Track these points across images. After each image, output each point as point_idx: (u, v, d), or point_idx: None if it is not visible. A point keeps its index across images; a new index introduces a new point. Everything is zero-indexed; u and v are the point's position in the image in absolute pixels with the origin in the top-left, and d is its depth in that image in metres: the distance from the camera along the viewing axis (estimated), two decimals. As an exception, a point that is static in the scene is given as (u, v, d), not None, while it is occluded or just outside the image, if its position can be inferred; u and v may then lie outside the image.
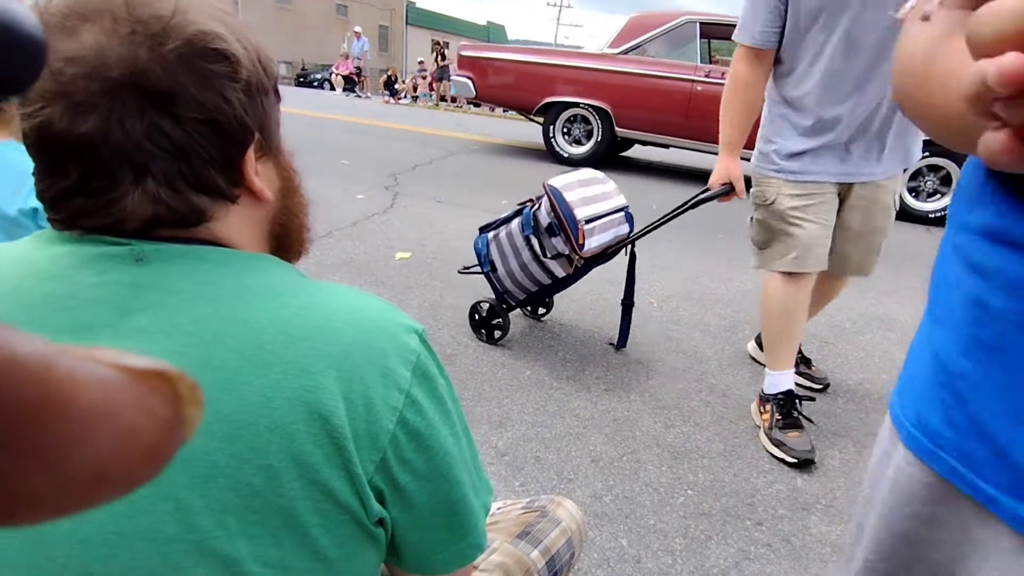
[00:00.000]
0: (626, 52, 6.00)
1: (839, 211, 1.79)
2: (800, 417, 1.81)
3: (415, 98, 16.33)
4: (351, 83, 15.86)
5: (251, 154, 0.49)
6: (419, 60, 18.13)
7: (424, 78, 16.49)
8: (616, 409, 1.93)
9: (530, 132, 10.80)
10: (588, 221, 1.99)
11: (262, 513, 0.42)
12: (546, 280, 2.12)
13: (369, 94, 16.36)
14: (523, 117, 7.63)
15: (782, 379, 1.84)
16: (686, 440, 1.80)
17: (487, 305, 2.27)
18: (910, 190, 5.36)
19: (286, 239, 0.58)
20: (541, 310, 2.56)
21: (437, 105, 15.43)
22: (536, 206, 2.10)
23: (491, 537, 0.85)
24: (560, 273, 2.10)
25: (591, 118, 6.30)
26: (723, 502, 1.55)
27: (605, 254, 2.14)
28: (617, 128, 6.16)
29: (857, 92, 1.60)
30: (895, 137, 1.67)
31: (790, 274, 1.79)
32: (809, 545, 1.43)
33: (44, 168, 0.44)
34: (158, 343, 0.42)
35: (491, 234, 2.22)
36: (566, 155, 6.46)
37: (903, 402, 0.53)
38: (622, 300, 2.24)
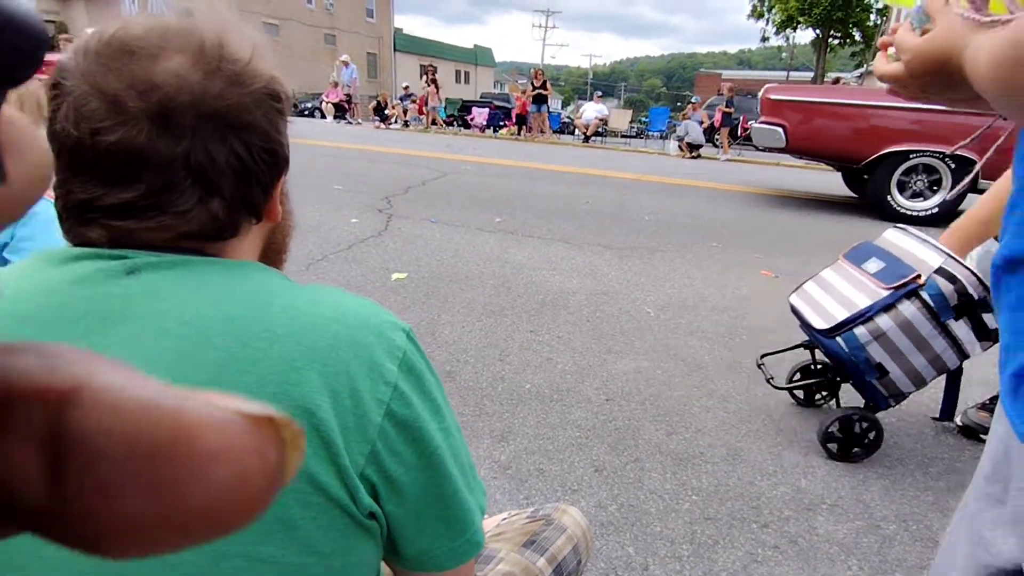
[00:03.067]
0: None
1: None
2: None
3: (406, 123, 16.48)
4: (341, 110, 15.99)
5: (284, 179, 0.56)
6: (404, 85, 18.31)
7: (414, 102, 16.65)
8: (617, 418, 1.93)
9: (535, 153, 10.89)
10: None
11: None
12: (955, 363, 1.63)
13: (360, 120, 16.49)
14: (831, 168, 6.89)
15: None
16: (688, 446, 1.80)
17: (855, 417, 1.76)
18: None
19: (271, 252, 0.62)
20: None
21: (428, 128, 15.57)
22: (937, 283, 1.56)
23: (496, 547, 0.84)
24: (978, 351, 1.61)
25: (940, 170, 5.49)
26: (728, 506, 1.55)
27: None
28: (983, 180, 5.12)
29: None
30: None
31: None
32: (816, 545, 1.43)
33: (102, 179, 0.46)
34: (147, 347, 0.43)
35: (865, 331, 1.62)
36: (910, 213, 5.51)
37: None
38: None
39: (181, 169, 0.46)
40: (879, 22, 27.76)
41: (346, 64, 16.14)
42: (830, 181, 8.22)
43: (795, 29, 32.57)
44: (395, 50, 36.42)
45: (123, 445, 0.09)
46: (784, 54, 46.35)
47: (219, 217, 0.49)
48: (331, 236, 3.74)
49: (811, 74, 34.88)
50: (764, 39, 36.42)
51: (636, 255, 3.83)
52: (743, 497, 1.58)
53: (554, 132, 16.42)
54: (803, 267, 3.77)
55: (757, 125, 6.10)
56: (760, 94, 6.18)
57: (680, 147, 12.55)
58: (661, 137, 16.02)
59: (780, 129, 5.77)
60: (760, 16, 34.55)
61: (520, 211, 4.96)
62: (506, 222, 4.49)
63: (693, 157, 12.09)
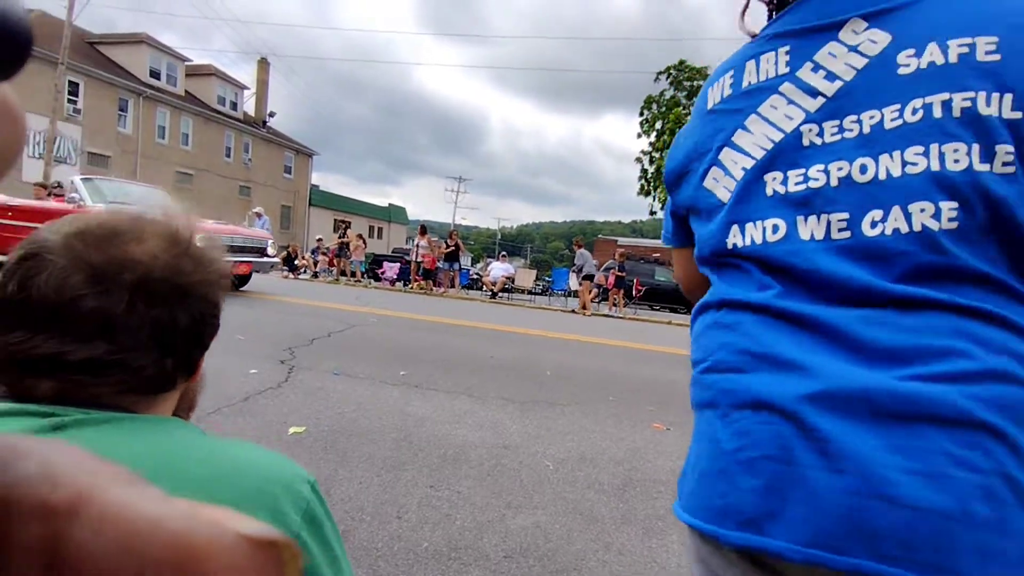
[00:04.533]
0: None
1: None
2: None
3: (315, 274, 16.59)
4: (250, 259, 15.93)
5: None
6: (317, 238, 18.84)
7: (324, 254, 16.95)
8: (515, 576, 1.91)
9: (444, 308, 11.14)
10: None
11: None
12: None
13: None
14: None
15: None
16: (584, 603, 1.80)
17: None
18: None
19: (183, 406, 0.69)
20: None
21: (337, 280, 15.72)
22: None
23: None
24: None
25: None
26: (623, 665, 1.54)
27: None
28: None
29: None
30: None
31: None
32: None
33: (73, 337, 0.53)
34: None
35: None
36: None
37: None
38: None
39: (148, 332, 0.55)
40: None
41: (259, 215, 16.40)
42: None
43: (677, 206, 36.88)
44: (310, 204, 37.48)
45: (126, 566, 0.09)
46: (670, 226, 51.85)
47: (167, 373, 0.58)
48: (227, 388, 3.61)
49: (694, 244, 38.93)
50: (652, 212, 40.88)
51: (537, 408, 3.95)
52: (637, 655, 1.59)
53: (463, 288, 17.05)
54: (692, 420, 4.01)
55: None
56: None
57: (579, 282, 13.46)
58: (564, 295, 17.02)
59: None
60: (648, 193, 39.08)
61: (426, 364, 5.03)
62: (411, 375, 4.53)
63: (592, 313, 12.86)
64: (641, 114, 41.16)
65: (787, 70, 0.69)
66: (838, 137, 0.63)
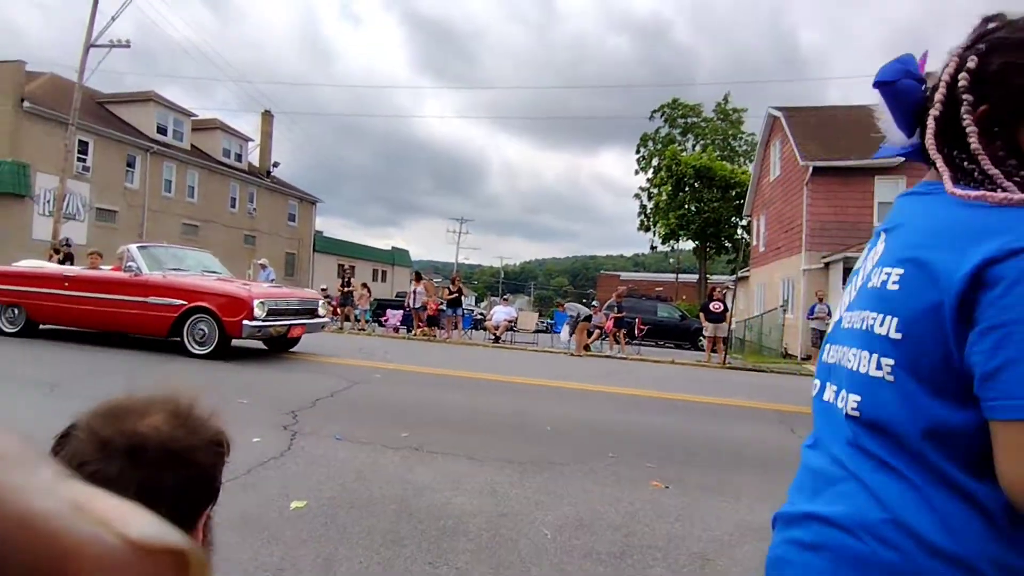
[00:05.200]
0: None
1: None
2: None
3: (320, 322, 16.73)
4: (255, 310, 16.08)
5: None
6: (322, 287, 19.05)
7: (330, 304, 17.13)
8: (510, 661, 1.94)
9: (447, 356, 11.18)
10: None
11: None
12: None
13: (273, 320, 16.57)
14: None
15: None
16: None
17: None
18: None
19: None
20: None
21: (341, 328, 15.84)
22: None
23: None
24: None
25: None
26: None
27: None
28: None
29: None
30: None
31: None
32: None
33: None
34: None
35: None
36: None
37: None
38: None
39: (134, 490, 0.62)
40: (744, 236, 32.36)
41: (263, 267, 16.64)
42: (702, 383, 8.92)
43: (678, 240, 37.24)
44: (314, 250, 37.90)
45: None
46: (671, 259, 52.25)
47: None
48: (231, 459, 3.67)
49: (696, 276, 39.22)
50: (652, 247, 41.18)
51: (536, 469, 3.99)
52: None
53: (467, 330, 17.13)
54: (691, 476, 4.04)
55: None
56: None
57: (572, 331, 13.71)
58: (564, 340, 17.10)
59: None
60: (647, 229, 39.41)
61: (427, 424, 5.08)
62: (412, 437, 4.59)
63: (593, 353, 12.88)
64: (637, 151, 41.76)
65: (861, 264, 0.88)
66: (846, 326, 0.84)
